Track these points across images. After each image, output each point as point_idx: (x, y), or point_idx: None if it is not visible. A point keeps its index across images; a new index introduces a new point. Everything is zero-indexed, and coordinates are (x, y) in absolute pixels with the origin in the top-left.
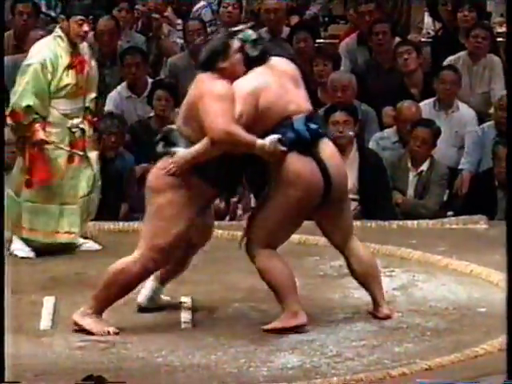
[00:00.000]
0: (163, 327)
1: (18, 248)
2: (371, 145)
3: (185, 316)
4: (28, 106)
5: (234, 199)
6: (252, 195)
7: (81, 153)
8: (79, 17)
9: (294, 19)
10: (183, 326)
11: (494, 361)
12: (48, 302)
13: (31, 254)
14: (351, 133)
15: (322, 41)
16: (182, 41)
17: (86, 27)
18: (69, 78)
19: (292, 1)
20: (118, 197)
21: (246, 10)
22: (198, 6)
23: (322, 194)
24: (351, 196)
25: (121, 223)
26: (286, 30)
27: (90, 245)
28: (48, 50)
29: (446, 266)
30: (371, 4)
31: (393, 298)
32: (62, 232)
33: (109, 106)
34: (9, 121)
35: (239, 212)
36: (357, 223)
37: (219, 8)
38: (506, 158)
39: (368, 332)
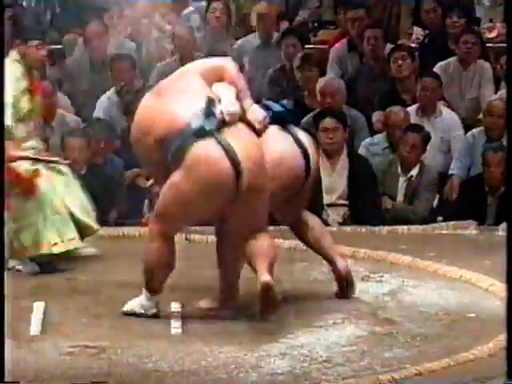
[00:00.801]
0: (153, 333)
1: (19, 263)
2: (361, 151)
3: (175, 322)
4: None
5: None
6: None
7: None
8: (36, 41)
9: (284, 25)
10: (173, 331)
11: (484, 366)
12: (38, 307)
13: (36, 268)
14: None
15: (311, 46)
16: (171, 46)
17: (43, 51)
18: (25, 102)
19: (282, 6)
20: (107, 202)
21: (237, 16)
22: (186, 10)
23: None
24: (341, 201)
25: (111, 229)
26: (275, 36)
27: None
28: (9, 75)
29: (436, 272)
30: (361, 10)
31: (383, 303)
32: (52, 243)
33: (98, 112)
34: None
35: None
36: (347, 229)
37: (207, 13)
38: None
39: (358, 337)
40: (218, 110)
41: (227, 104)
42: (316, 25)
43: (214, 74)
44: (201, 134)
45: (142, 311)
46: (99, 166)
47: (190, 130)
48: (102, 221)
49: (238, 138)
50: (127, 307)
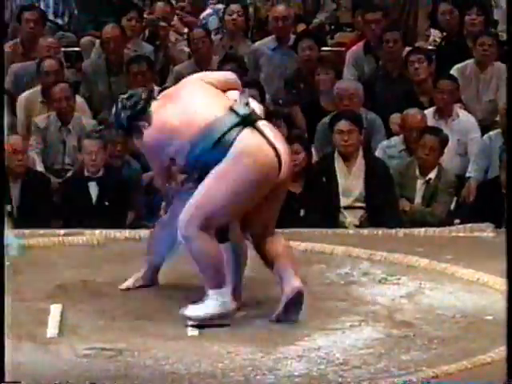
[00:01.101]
0: (170, 335)
1: None
2: (378, 153)
3: (192, 324)
4: None
5: None
6: None
7: None
8: None
9: (301, 27)
10: (190, 333)
11: (501, 369)
12: (55, 309)
13: None
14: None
15: (328, 49)
16: (188, 49)
17: None
18: None
19: (299, 9)
20: (124, 205)
21: (254, 19)
22: (204, 13)
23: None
24: (358, 204)
25: (127, 231)
26: (291, 38)
27: None
28: None
29: (453, 274)
30: (378, 12)
31: (400, 306)
32: None
33: None
34: None
35: None
36: (364, 231)
37: (224, 16)
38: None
39: (375, 340)
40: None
41: (254, 103)
42: (333, 27)
43: (226, 85)
44: (246, 121)
45: (223, 311)
46: (116, 169)
47: (235, 117)
48: (120, 223)
49: (270, 129)
50: (202, 314)
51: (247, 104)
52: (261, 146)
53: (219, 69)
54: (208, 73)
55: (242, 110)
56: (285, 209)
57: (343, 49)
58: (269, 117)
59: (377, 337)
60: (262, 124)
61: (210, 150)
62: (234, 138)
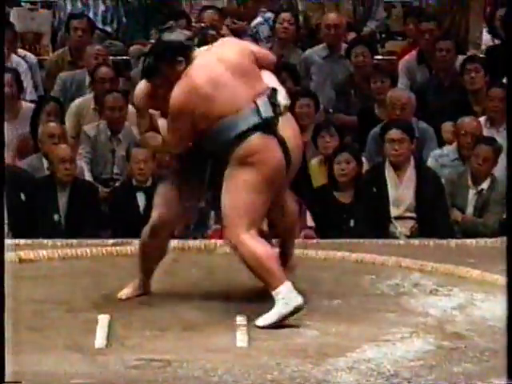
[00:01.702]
0: (219, 346)
1: None
2: (430, 162)
3: (240, 335)
4: None
5: None
6: None
7: None
8: None
9: (351, 35)
10: (238, 344)
11: None
12: (103, 320)
13: None
14: None
15: (379, 57)
16: None
17: None
18: None
19: (349, 17)
20: None
21: (305, 27)
22: (255, 22)
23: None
24: (408, 214)
25: (176, 241)
26: (343, 47)
27: None
28: None
29: (505, 286)
30: (432, 22)
31: (451, 318)
32: None
33: None
34: None
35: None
36: (414, 242)
37: (275, 24)
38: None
39: (426, 352)
40: (277, 101)
41: (284, 96)
42: (384, 35)
43: (264, 62)
44: (265, 125)
45: (291, 308)
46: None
47: (257, 118)
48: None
49: (287, 127)
50: (272, 321)
51: (274, 104)
52: (265, 148)
53: None
54: (255, 46)
55: (265, 113)
56: (335, 219)
57: (395, 57)
58: (320, 126)
59: (428, 348)
60: (282, 120)
61: (224, 140)
62: (245, 139)
